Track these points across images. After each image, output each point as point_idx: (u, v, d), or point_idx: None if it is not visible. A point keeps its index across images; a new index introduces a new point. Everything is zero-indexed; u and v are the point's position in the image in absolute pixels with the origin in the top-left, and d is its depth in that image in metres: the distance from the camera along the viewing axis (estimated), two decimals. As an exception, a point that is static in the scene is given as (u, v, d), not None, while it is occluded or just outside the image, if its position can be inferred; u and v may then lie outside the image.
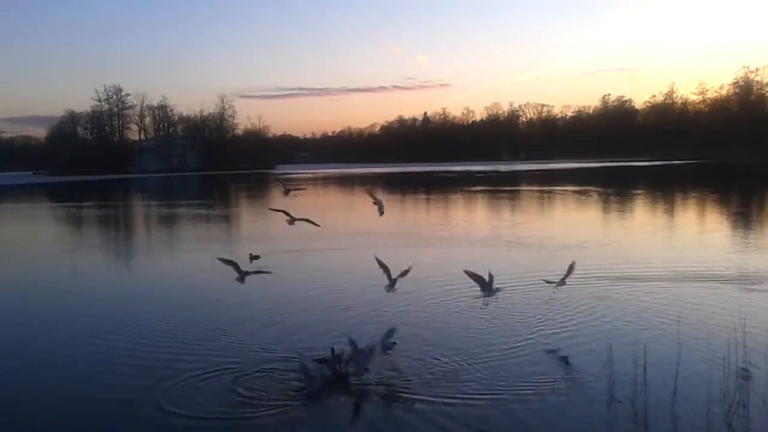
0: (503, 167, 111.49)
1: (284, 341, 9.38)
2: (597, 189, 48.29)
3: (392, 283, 9.15)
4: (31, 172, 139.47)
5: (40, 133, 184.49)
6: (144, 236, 28.69)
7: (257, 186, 73.89)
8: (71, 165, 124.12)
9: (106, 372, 8.44)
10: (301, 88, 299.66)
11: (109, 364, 8.76)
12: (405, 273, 9.19)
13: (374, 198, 10.05)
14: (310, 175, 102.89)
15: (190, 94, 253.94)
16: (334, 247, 18.66)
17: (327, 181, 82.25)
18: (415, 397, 7.16)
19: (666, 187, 50.55)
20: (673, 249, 18.71)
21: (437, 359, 8.35)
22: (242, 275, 9.19)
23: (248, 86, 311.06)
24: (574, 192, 45.84)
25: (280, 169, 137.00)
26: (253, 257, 17.03)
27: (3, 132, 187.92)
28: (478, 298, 10.09)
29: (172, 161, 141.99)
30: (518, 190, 51.51)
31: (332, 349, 8.10)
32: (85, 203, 49.99)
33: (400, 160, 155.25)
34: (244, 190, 67.68)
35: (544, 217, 30.57)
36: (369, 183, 73.96)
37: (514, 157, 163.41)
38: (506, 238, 21.23)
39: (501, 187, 55.24)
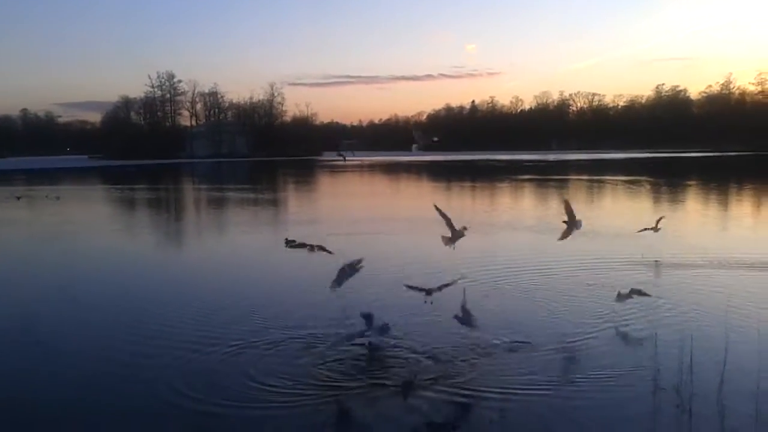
0: (552, 156, 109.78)
1: (316, 324, 9.44)
2: (648, 179, 47.16)
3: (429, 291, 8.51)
4: (86, 156, 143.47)
5: (95, 117, 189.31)
6: (192, 218, 29.29)
7: (304, 172, 74.54)
8: (125, 149, 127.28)
9: (136, 347, 8.69)
10: (348, 76, 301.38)
11: (138, 341, 8.96)
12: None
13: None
14: (357, 162, 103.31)
15: (240, 81, 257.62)
16: (378, 231, 18.70)
17: (373, 168, 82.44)
18: (456, 382, 7.16)
19: (720, 178, 48.97)
20: (726, 238, 18.25)
21: (477, 345, 8.32)
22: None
23: (297, 74, 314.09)
24: (625, 182, 44.84)
25: (327, 156, 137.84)
26: (289, 242, 16.78)
27: (59, 116, 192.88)
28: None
29: (222, 147, 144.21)
30: (567, 179, 50.66)
31: (369, 343, 8.17)
32: (137, 186, 51.27)
33: (446, 149, 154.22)
34: (291, 175, 68.40)
35: (593, 206, 30.02)
36: (414, 171, 73.92)
37: (564, 146, 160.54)
38: (554, 225, 20.95)
39: (550, 176, 54.44)
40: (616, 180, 47.40)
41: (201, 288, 12.48)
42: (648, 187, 40.31)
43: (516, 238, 18.74)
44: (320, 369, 7.59)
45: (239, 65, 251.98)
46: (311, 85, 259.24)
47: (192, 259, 17.09)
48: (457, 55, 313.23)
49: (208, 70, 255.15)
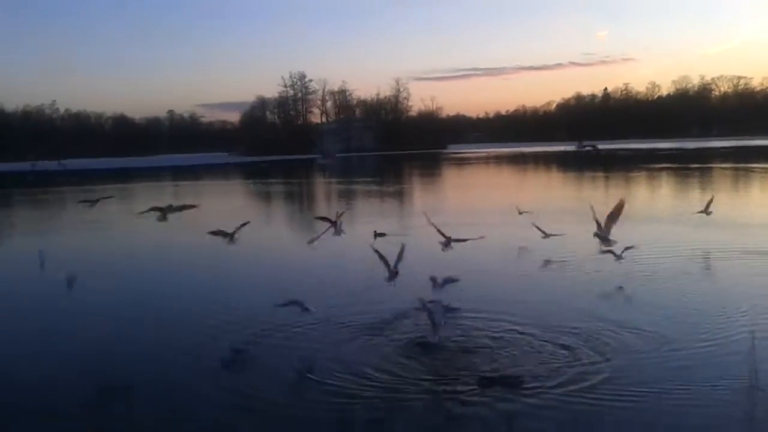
0: (691, 144, 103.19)
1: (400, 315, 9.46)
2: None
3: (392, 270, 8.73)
4: (226, 153, 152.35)
5: (234, 117, 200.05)
6: (322, 210, 30.52)
7: (428, 165, 75.18)
8: (261, 147, 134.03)
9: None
10: (475, 69, 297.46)
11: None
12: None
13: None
14: (483, 154, 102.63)
15: (368, 77, 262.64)
16: (482, 223, 18.52)
17: (499, 160, 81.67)
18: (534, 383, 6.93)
19: None
20: None
21: (557, 339, 8.20)
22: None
23: (423, 68, 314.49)
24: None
25: (452, 149, 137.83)
26: (378, 234, 16.35)
27: (203, 117, 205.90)
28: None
29: (351, 142, 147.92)
30: (707, 168, 47.60)
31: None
32: (271, 180, 54.12)
33: (577, 138, 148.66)
34: (416, 168, 69.24)
35: (730, 196, 28.23)
36: (541, 162, 72.10)
37: (705, 133, 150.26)
38: (684, 215, 20.09)
39: (686, 165, 51.50)
40: (765, 168, 44.00)
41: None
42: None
43: (634, 228, 18.16)
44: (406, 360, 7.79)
45: (367, 62, 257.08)
46: (437, 79, 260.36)
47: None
48: (587, 42, 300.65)
49: (338, 68, 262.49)
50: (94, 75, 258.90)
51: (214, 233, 9.87)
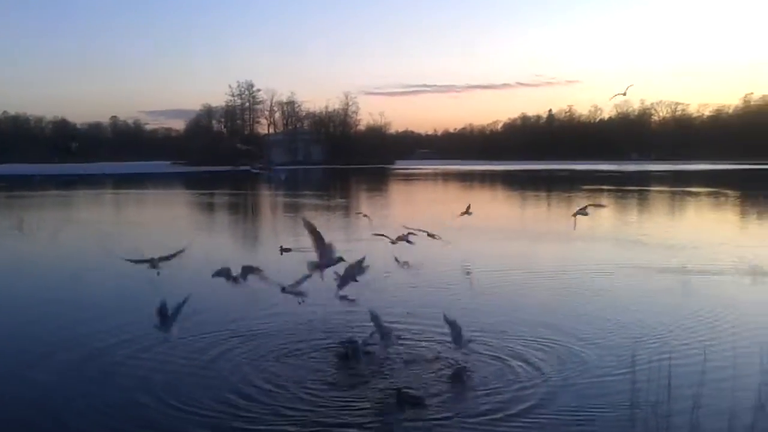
0: (631, 167, 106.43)
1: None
2: (731, 191, 45.20)
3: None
4: (168, 162, 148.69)
5: (179, 125, 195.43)
6: (263, 223, 30.16)
7: (374, 179, 75.35)
8: (205, 156, 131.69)
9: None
10: (425, 85, 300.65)
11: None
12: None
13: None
14: (430, 171, 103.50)
15: (317, 90, 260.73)
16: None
17: (446, 177, 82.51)
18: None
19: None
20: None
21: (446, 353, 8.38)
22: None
23: (373, 83, 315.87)
24: (707, 194, 43.29)
25: (399, 165, 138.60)
26: (284, 250, 16.33)
27: (146, 124, 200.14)
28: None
29: (298, 154, 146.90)
30: (641, 191, 49.10)
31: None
32: (216, 191, 53.22)
33: (522, 158, 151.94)
34: (362, 183, 69.31)
35: (658, 217, 29.23)
36: (486, 180, 73.18)
37: (645, 157, 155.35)
38: (607, 235, 20.62)
39: (623, 187, 53.02)
40: (697, 192, 45.70)
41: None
42: (730, 199, 38.77)
43: (547, 248, 18.52)
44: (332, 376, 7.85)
45: (316, 74, 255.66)
46: (387, 94, 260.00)
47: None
48: (535, 64, 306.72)
49: (287, 79, 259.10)
50: (35, 77, 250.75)
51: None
